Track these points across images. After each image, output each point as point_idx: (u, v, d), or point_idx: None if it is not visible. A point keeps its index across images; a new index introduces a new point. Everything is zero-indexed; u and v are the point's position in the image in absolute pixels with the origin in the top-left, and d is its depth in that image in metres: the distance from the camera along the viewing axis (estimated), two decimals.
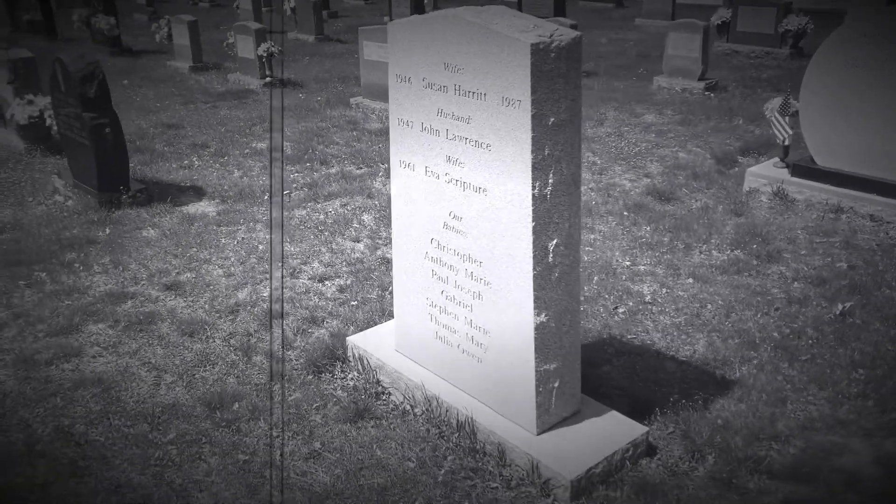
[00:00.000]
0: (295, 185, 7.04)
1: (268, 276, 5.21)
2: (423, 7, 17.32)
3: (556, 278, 3.16)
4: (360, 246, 5.68)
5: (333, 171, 7.46)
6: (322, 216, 6.26)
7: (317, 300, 4.85)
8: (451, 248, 3.44)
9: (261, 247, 5.69)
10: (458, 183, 3.29)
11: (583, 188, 6.58)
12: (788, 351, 4.18)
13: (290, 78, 12.05)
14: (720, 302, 4.77)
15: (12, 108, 7.81)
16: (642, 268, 5.27)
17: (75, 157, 6.63)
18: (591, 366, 4.03)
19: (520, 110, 2.92)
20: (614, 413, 3.48)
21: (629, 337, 4.39)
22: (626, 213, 6.20)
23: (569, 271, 3.21)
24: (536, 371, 3.24)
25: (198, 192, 6.90)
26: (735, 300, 4.78)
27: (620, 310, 4.73)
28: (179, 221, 6.18)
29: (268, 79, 11.68)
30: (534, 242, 3.06)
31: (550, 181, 3.01)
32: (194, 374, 4.07)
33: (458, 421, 3.53)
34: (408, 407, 3.76)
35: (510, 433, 3.35)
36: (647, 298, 4.84)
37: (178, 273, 5.27)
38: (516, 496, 3.19)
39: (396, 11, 17.35)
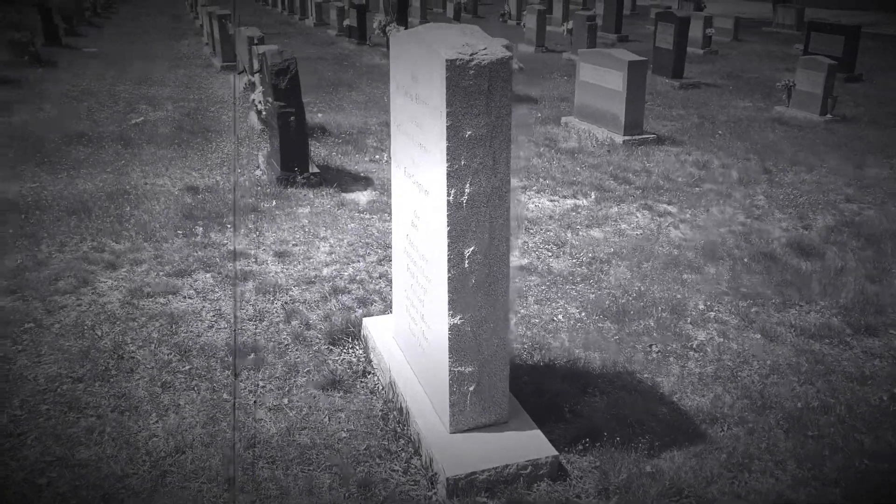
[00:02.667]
0: None
1: (360, 259, 5.76)
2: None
3: (472, 285, 3.30)
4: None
5: None
6: None
7: (382, 284, 5.30)
8: (415, 245, 3.71)
9: (376, 233, 6.25)
10: (416, 184, 3.56)
11: (726, 230, 6.29)
12: (797, 424, 3.80)
13: (528, 94, 12.51)
14: (768, 363, 4.41)
15: (255, 94, 9.22)
16: (713, 314, 4.99)
17: (271, 139, 7.73)
18: (576, 392, 4.02)
19: (440, 120, 3.14)
20: (537, 433, 3.51)
21: (643, 376, 4.26)
22: (745, 261, 5.82)
23: (490, 281, 3.32)
24: (450, 370, 3.40)
25: (366, 184, 7.66)
26: (787, 364, 4.38)
27: (655, 349, 4.57)
28: (333, 205, 6.97)
29: None
30: (449, 246, 3.24)
31: (467, 190, 3.18)
32: (243, 326, 4.73)
33: (401, 407, 3.78)
34: (379, 387, 4.08)
35: (429, 427, 3.54)
36: (694, 344, 4.62)
37: (294, 245, 6.02)
38: (406, 482, 3.38)
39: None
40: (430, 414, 3.61)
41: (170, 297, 5.10)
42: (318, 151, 8.73)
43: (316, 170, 7.65)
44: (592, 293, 5.25)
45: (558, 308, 5.05)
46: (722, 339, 4.68)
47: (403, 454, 3.54)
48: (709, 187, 7.75)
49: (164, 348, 4.44)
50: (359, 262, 5.72)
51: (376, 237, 6.19)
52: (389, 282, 5.33)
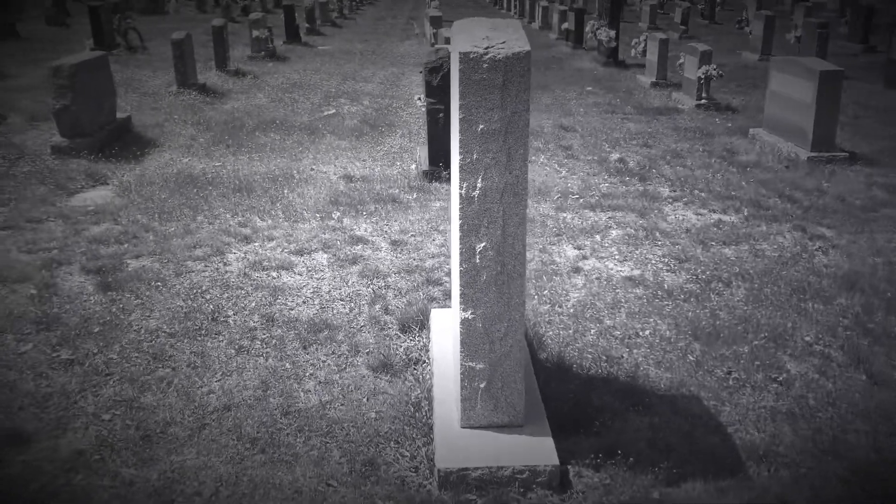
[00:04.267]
0: (592, 194, 7.37)
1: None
2: None
3: (483, 281, 3.30)
4: (571, 251, 5.91)
5: (641, 188, 7.54)
6: (579, 222, 6.58)
7: None
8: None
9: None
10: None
11: (882, 260, 5.68)
12: (859, 476, 3.38)
13: (729, 103, 11.85)
14: (860, 407, 3.94)
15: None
16: (819, 347, 4.52)
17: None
18: (622, 408, 3.87)
19: (456, 113, 3.17)
20: (547, 441, 3.43)
21: (707, 403, 3.99)
22: (889, 296, 5.19)
23: (502, 279, 3.30)
24: (462, 365, 3.42)
25: None
26: (882, 412, 3.90)
27: (735, 376, 4.25)
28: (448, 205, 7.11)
29: (702, 100, 11.73)
30: (461, 240, 3.27)
31: (479, 185, 3.19)
32: (332, 304, 5.02)
33: (431, 396, 3.85)
34: (426, 376, 4.17)
35: (444, 418, 3.58)
36: (781, 378, 4.24)
37: (412, 235, 6.24)
38: (408, 468, 3.45)
39: None
40: (450, 406, 3.64)
41: (282, 272, 5.50)
42: None
43: None
44: (692, 312, 4.95)
45: (648, 324, 4.82)
46: (817, 376, 4.24)
47: (418, 441, 3.60)
48: (887, 212, 6.94)
49: (254, 316, 4.81)
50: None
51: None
52: None
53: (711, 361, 4.37)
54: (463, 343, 3.38)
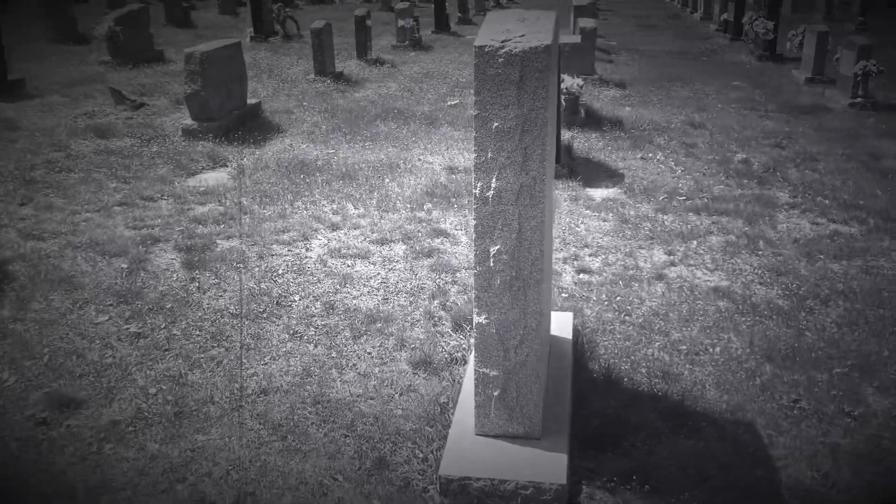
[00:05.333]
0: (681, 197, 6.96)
1: None
2: None
3: (498, 285, 3.17)
4: (660, 254, 5.61)
5: (758, 192, 7.03)
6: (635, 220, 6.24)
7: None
8: None
9: (583, 231, 6.08)
10: None
11: None
12: None
13: (892, 103, 10.81)
14: None
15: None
16: None
17: None
18: (661, 429, 3.63)
19: (472, 109, 3.06)
20: (559, 457, 3.26)
21: (762, 431, 3.67)
22: None
23: (517, 285, 3.16)
24: (476, 371, 3.32)
25: (616, 181, 7.42)
26: None
27: (801, 405, 3.88)
28: (565, 197, 6.90)
29: (858, 99, 10.80)
30: (475, 241, 3.16)
31: (493, 185, 3.06)
32: (396, 297, 5.02)
33: (457, 399, 3.77)
34: (462, 377, 4.08)
35: (460, 423, 3.48)
36: (856, 412, 3.82)
37: None
38: (417, 471, 3.39)
39: None
40: (470, 412, 3.53)
41: (357, 260, 5.56)
42: (592, 143, 8.61)
43: (568, 160, 7.59)
44: (774, 330, 4.55)
45: (720, 340, 4.48)
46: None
47: (435, 444, 3.52)
48: None
49: (317, 303, 4.89)
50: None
51: (580, 235, 6.01)
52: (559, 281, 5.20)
53: (780, 386, 4.00)
54: (477, 348, 3.27)
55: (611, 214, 6.45)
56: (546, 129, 2.97)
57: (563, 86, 9.10)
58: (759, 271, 5.37)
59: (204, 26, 19.77)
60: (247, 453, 3.49)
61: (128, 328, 4.58)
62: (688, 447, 3.51)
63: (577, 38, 10.09)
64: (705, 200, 6.77)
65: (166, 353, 4.34)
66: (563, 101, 8.27)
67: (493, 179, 3.03)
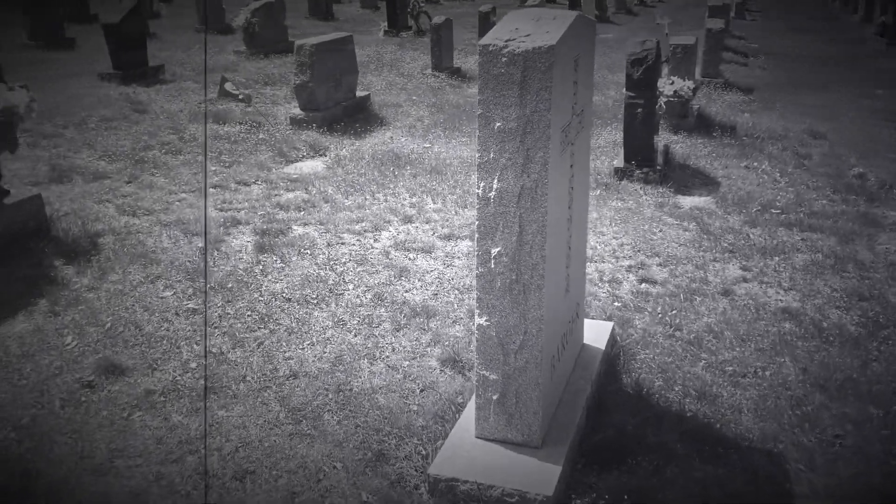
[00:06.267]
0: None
1: (605, 261, 5.52)
2: None
3: (498, 287, 3.13)
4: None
5: (863, 210, 6.54)
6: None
7: (598, 289, 5.07)
8: None
9: (656, 239, 5.87)
10: None
11: None
12: None
13: None
14: None
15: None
16: None
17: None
18: (680, 452, 3.47)
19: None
20: (552, 469, 3.17)
21: (789, 465, 3.43)
22: None
23: (517, 290, 3.10)
24: (477, 372, 3.30)
25: (711, 190, 7.11)
26: None
27: (842, 442, 3.60)
28: (651, 204, 6.69)
29: None
30: (478, 242, 3.14)
31: (495, 186, 3.03)
32: (446, 294, 5.04)
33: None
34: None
35: (462, 424, 3.47)
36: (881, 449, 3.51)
37: None
38: (414, 467, 3.40)
39: None
40: (472, 413, 3.51)
41: (419, 255, 5.62)
42: (695, 149, 8.28)
43: (659, 165, 7.33)
44: (836, 358, 4.24)
45: (773, 364, 4.22)
46: None
47: (439, 442, 3.51)
48: None
49: (368, 294, 4.98)
50: (603, 263, 5.48)
51: (654, 243, 5.80)
52: (599, 292, 5.06)
53: (826, 419, 3.72)
54: (478, 350, 3.24)
55: (693, 224, 6.18)
56: (548, 132, 2.89)
57: (671, 88, 8.79)
58: (839, 294, 5.00)
59: (344, 20, 20.43)
60: (259, 433, 3.61)
61: (187, 304, 4.82)
62: (702, 472, 3.34)
63: (689, 40, 9.68)
64: (801, 215, 6.36)
65: (215, 330, 4.54)
66: (662, 105, 7.98)
67: (495, 180, 2.98)
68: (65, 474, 3.32)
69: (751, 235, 5.99)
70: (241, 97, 9.80)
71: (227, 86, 9.73)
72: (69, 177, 7.14)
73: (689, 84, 9.00)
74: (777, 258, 5.56)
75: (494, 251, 3.07)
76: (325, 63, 9.07)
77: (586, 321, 4.30)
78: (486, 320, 3.17)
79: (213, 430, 3.63)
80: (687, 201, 6.77)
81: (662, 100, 8.45)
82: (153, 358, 4.24)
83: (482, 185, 3.02)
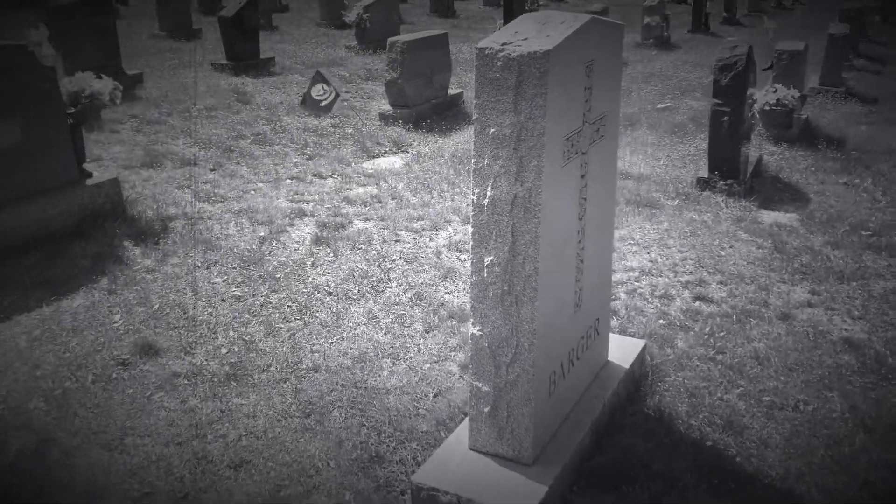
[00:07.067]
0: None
1: (661, 274, 5.30)
2: None
3: (491, 297, 3.06)
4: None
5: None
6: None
7: (646, 303, 4.87)
8: None
9: (722, 253, 5.58)
10: None
11: None
12: None
13: None
14: None
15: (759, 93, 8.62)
16: None
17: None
18: (685, 481, 3.28)
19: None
20: (537, 488, 3.06)
21: (812, 498, 3.20)
22: None
23: (509, 301, 3.01)
24: (470, 383, 3.24)
25: (800, 205, 6.69)
26: None
27: (878, 486, 3.31)
28: (728, 217, 6.36)
29: None
30: (472, 249, 3.08)
31: (488, 194, 2.95)
32: None
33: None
34: None
35: (458, 434, 3.40)
36: None
37: (631, 244, 5.82)
38: (403, 472, 3.37)
39: None
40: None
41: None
42: (793, 162, 7.82)
43: (751, 178, 6.95)
44: (894, 399, 3.90)
45: (819, 398, 3.93)
46: None
47: (433, 449, 3.47)
48: None
49: (409, 293, 4.98)
50: (660, 277, 5.25)
51: (721, 258, 5.51)
52: (646, 307, 4.85)
53: (862, 462, 3.43)
54: (471, 360, 3.17)
55: (769, 241, 5.83)
56: (543, 140, 2.78)
57: (774, 96, 8.33)
58: None
59: (465, 17, 20.53)
60: (266, 423, 3.67)
61: (233, 291, 4.97)
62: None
63: (797, 46, 9.11)
64: (895, 240, 5.87)
65: (254, 318, 4.66)
66: (755, 114, 7.55)
67: (489, 187, 2.90)
68: (77, 444, 3.48)
69: (830, 257, 5.58)
70: (322, 103, 9.96)
71: (315, 90, 9.89)
72: (160, 162, 7.49)
73: (794, 93, 8.48)
74: (854, 283, 5.16)
75: (487, 260, 2.99)
76: (416, 60, 9.12)
77: (617, 337, 4.14)
78: (479, 330, 3.09)
79: (224, 416, 3.72)
80: (769, 217, 6.39)
81: (755, 108, 8.01)
82: (188, 341, 4.38)
83: (477, 191, 2.95)
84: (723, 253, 5.64)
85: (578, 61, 2.96)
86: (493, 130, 2.83)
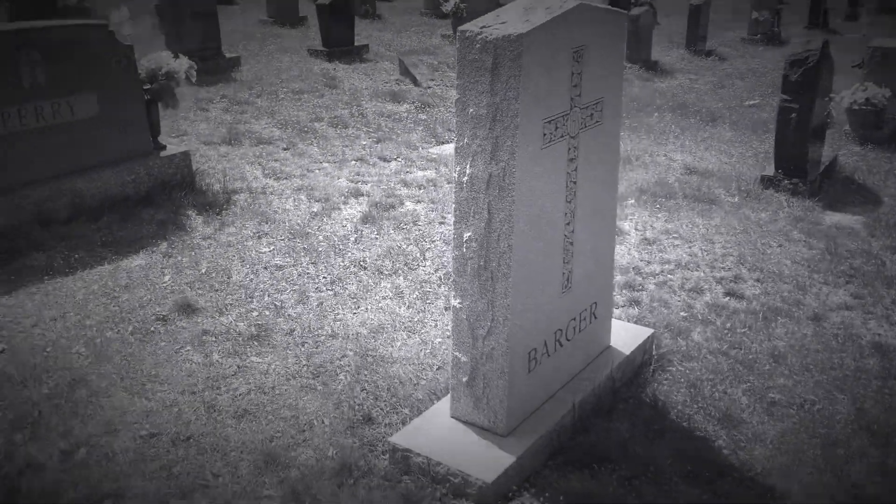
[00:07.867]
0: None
1: (697, 268, 5.25)
2: None
3: (469, 271, 3.19)
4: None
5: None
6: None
7: (670, 295, 4.85)
8: None
9: (769, 251, 5.48)
10: None
11: None
12: None
13: None
14: None
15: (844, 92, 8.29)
16: None
17: None
18: (667, 470, 3.32)
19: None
20: (505, 457, 3.17)
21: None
22: None
23: (485, 276, 3.13)
24: (452, 353, 3.38)
25: (869, 207, 6.44)
26: None
27: (868, 490, 3.26)
28: (786, 219, 6.21)
29: None
30: (454, 224, 3.22)
31: (467, 171, 3.09)
32: None
33: None
34: None
35: (444, 402, 3.55)
36: None
37: (673, 237, 5.78)
38: (390, 434, 3.56)
39: None
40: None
41: None
42: (875, 164, 7.51)
43: (821, 178, 6.74)
44: None
45: (828, 398, 3.85)
46: None
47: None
48: None
49: (439, 272, 5.14)
50: (696, 271, 5.20)
51: (765, 256, 5.41)
52: (672, 299, 4.83)
53: (855, 465, 3.36)
54: (452, 331, 3.31)
55: (823, 242, 5.66)
56: (517, 121, 2.88)
57: (863, 95, 8.00)
58: None
59: None
60: (276, 381, 3.92)
61: (276, 261, 5.26)
62: (677, 493, 3.17)
63: (893, 43, 8.66)
64: None
65: (290, 286, 4.93)
66: (831, 112, 7.28)
67: (468, 165, 3.03)
68: (104, 387, 3.83)
69: (886, 262, 5.38)
70: (416, 79, 10.15)
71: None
72: (239, 140, 7.92)
73: (885, 92, 8.11)
74: None
75: (466, 235, 3.11)
76: None
77: (623, 324, 4.18)
78: (459, 302, 3.23)
79: (239, 372, 4.00)
80: (831, 218, 6.18)
81: (843, 106, 7.72)
82: (225, 303, 4.70)
83: (458, 168, 3.08)
84: (768, 251, 5.52)
85: (564, 46, 3.04)
86: (472, 110, 2.95)
